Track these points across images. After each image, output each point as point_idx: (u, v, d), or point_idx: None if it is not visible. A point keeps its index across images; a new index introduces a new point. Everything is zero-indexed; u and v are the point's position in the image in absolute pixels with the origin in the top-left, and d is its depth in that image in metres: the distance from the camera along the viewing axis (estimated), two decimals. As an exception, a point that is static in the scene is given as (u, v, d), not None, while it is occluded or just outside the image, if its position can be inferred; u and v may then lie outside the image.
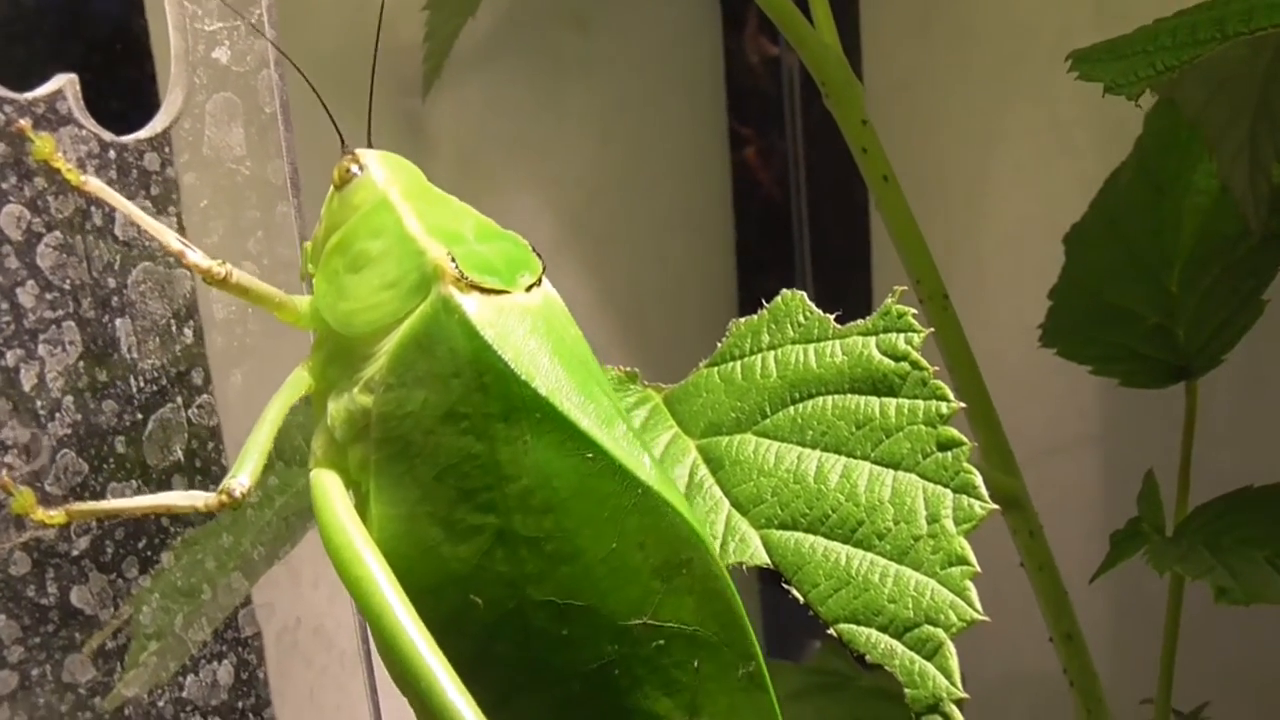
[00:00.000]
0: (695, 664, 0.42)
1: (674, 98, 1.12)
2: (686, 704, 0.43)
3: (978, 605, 0.43)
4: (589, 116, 1.00)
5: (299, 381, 0.44)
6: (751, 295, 1.19)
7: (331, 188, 0.44)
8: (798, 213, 1.18)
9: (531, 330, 0.41)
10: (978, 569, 0.44)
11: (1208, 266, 0.78)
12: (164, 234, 0.43)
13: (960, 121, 1.11)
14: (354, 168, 0.43)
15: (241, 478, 0.41)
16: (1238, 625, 0.95)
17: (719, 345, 0.54)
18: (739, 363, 0.53)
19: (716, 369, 0.54)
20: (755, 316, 0.54)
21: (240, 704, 0.48)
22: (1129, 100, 0.61)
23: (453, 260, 0.41)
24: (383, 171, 0.43)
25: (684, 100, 1.13)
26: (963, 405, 0.47)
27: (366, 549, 0.40)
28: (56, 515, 0.42)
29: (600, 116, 1.02)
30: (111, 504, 0.43)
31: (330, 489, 0.42)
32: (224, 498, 0.41)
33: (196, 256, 0.43)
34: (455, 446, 0.41)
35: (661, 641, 0.42)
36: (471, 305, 0.41)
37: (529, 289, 0.42)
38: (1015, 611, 0.70)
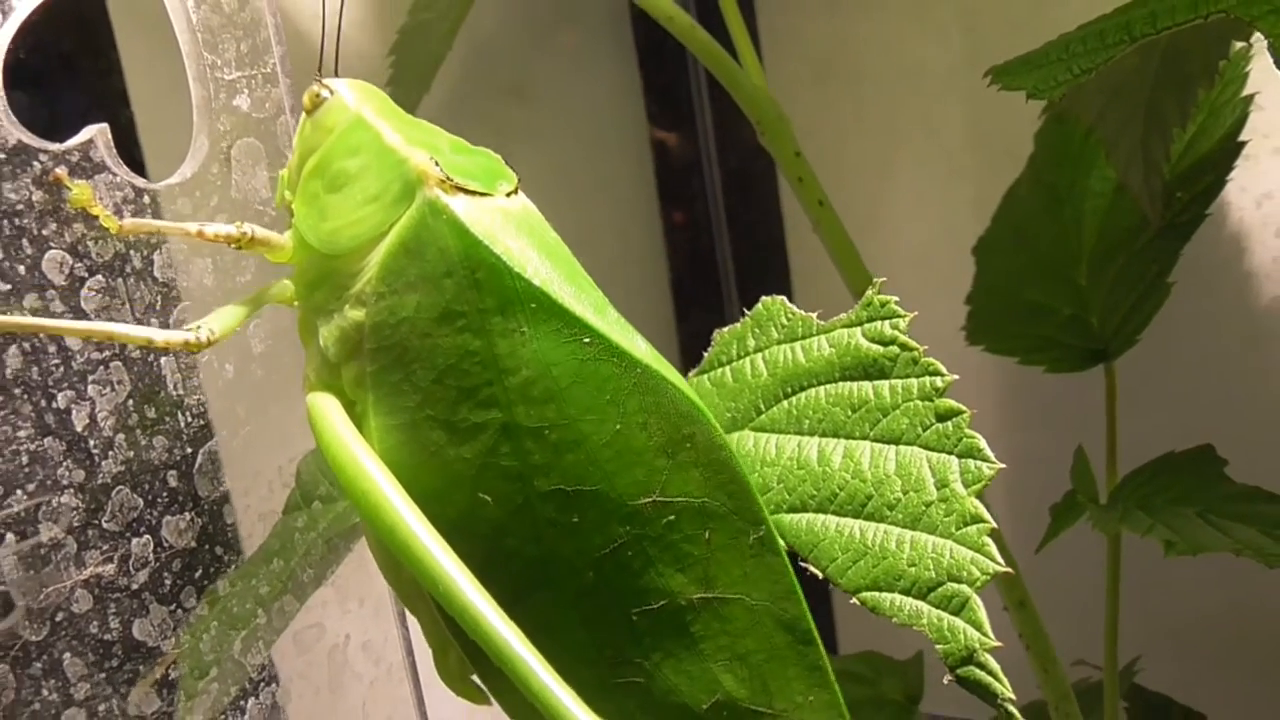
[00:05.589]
0: (706, 536, 0.39)
1: (606, 160, 1.11)
2: (700, 577, 0.40)
3: (999, 558, 0.41)
4: (531, 178, 0.98)
5: (282, 288, 0.41)
6: (688, 330, 1.17)
7: (303, 114, 0.40)
8: (723, 255, 1.18)
9: (517, 229, 0.39)
10: (994, 524, 0.41)
11: (1112, 258, 0.78)
12: (184, 225, 0.39)
13: (859, 157, 1.11)
14: (324, 92, 0.40)
15: (212, 324, 0.39)
16: (1155, 588, 0.94)
17: (705, 355, 0.52)
18: (727, 368, 0.51)
19: (706, 375, 0.51)
20: (738, 325, 0.51)
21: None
22: (1050, 101, 0.60)
23: (436, 163, 0.38)
24: (352, 94, 0.40)
25: (615, 160, 1.12)
26: (955, 377, 0.44)
27: (371, 462, 0.37)
28: None
29: (541, 178, 1.00)
30: (46, 321, 0.38)
31: (327, 408, 0.39)
32: (190, 337, 0.38)
33: (216, 228, 0.39)
34: (452, 346, 0.38)
35: (671, 517, 0.39)
36: (459, 205, 0.38)
37: (508, 195, 0.40)
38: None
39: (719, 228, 1.17)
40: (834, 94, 1.11)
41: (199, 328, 0.38)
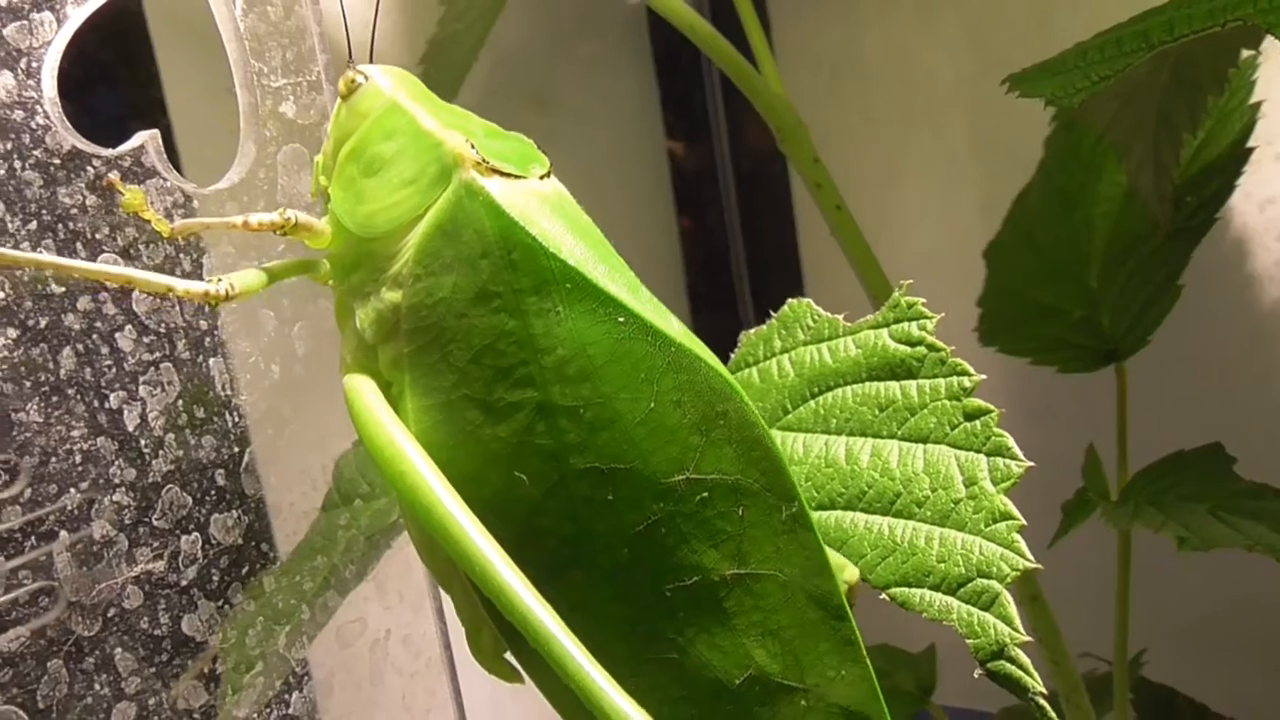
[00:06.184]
0: (739, 512, 0.38)
1: (623, 167, 1.10)
2: (733, 553, 0.38)
3: (1028, 554, 0.40)
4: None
5: (313, 263, 0.40)
6: (703, 334, 1.17)
7: (339, 100, 0.39)
8: (736, 259, 1.17)
9: (551, 211, 0.38)
10: (1023, 522, 0.41)
11: (1122, 262, 0.77)
12: (229, 219, 0.39)
13: (870, 162, 1.10)
14: (359, 78, 0.39)
15: (234, 280, 0.38)
16: (1160, 584, 0.94)
17: (728, 357, 0.51)
18: (754, 369, 0.50)
19: (733, 376, 0.51)
20: (764, 326, 0.50)
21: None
22: (1069, 108, 0.59)
23: (472, 146, 0.37)
24: (387, 79, 0.39)
25: (632, 167, 1.11)
26: (983, 377, 0.44)
27: (407, 443, 0.36)
28: None
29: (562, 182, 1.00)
30: (58, 259, 0.37)
31: (364, 389, 0.38)
32: (211, 289, 0.37)
33: (260, 216, 0.39)
34: (488, 326, 0.37)
35: (705, 494, 0.38)
36: (494, 187, 0.37)
37: (541, 178, 0.39)
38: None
39: (733, 233, 1.16)
40: (845, 101, 1.10)
41: (219, 280, 0.37)
